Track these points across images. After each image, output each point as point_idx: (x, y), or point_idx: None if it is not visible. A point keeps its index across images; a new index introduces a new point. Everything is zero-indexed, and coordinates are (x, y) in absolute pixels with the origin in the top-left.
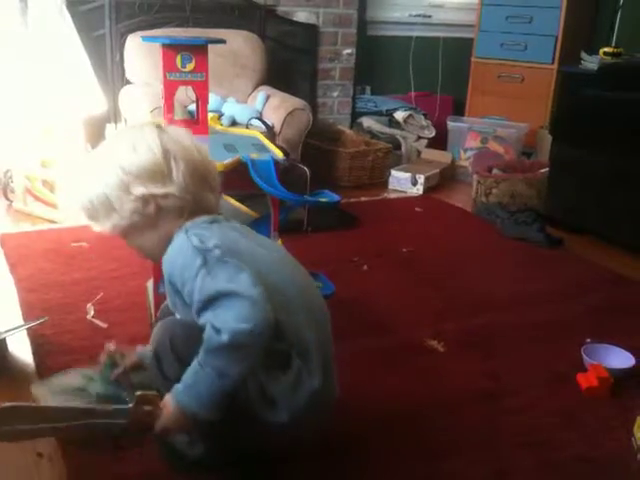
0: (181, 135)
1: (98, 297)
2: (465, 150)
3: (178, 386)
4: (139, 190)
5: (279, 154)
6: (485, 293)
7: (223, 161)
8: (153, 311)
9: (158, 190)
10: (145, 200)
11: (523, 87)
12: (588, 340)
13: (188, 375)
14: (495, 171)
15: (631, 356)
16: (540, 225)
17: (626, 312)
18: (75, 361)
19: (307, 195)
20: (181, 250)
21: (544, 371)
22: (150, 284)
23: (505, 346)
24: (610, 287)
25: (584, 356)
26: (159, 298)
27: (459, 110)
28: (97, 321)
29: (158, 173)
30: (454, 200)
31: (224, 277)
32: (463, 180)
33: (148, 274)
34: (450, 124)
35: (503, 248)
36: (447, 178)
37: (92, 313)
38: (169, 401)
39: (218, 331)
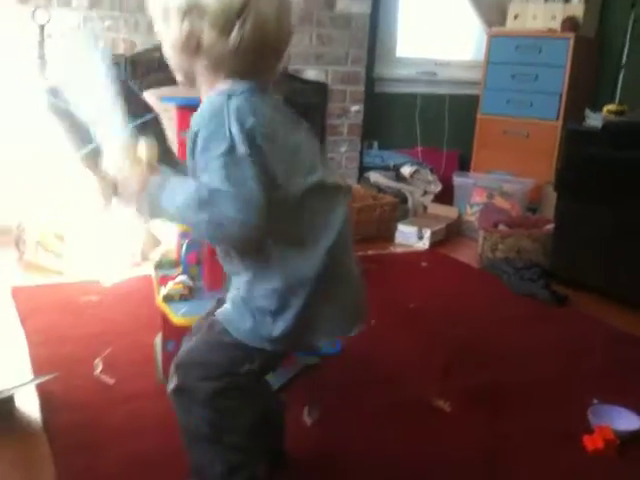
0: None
1: (106, 352)
2: (471, 205)
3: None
4: (189, 23)
5: None
6: (492, 350)
7: None
8: (161, 367)
9: (208, 33)
10: (190, 34)
11: (528, 143)
12: (595, 401)
13: (178, 182)
14: (501, 227)
15: (638, 418)
16: (545, 282)
17: (632, 372)
18: (81, 419)
19: None
20: (215, 116)
21: (550, 431)
22: (159, 340)
23: (511, 405)
24: (615, 346)
25: (590, 417)
26: (167, 354)
27: (465, 165)
28: (104, 377)
29: (221, 18)
30: (460, 255)
31: (236, 178)
32: (469, 235)
33: (157, 329)
34: (456, 179)
35: (509, 304)
36: (453, 233)
37: (100, 369)
38: (150, 180)
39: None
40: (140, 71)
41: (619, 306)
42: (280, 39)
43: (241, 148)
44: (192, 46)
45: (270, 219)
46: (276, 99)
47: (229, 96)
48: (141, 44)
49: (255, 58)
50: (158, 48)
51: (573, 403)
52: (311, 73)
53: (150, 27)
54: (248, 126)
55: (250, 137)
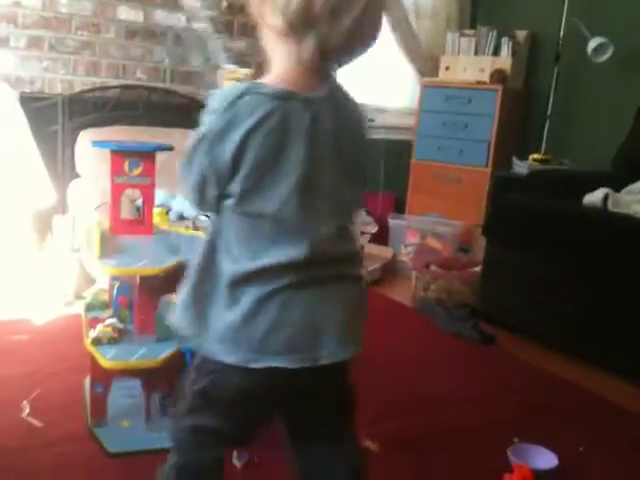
0: None
1: (35, 394)
2: (406, 246)
3: None
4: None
5: None
6: (420, 391)
7: (164, 264)
8: (90, 410)
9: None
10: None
11: (460, 188)
12: (515, 440)
13: None
14: (433, 267)
15: (555, 456)
16: (474, 322)
17: (552, 411)
18: (7, 463)
19: None
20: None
21: (473, 471)
22: (87, 382)
23: (437, 446)
24: (537, 385)
25: (510, 456)
26: (95, 397)
27: (400, 207)
28: (32, 419)
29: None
30: (395, 294)
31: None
32: (404, 274)
33: (86, 370)
34: (391, 221)
35: (439, 344)
36: (389, 272)
37: (27, 411)
38: None
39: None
40: (77, 111)
41: (542, 347)
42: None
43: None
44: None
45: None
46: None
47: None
48: (80, 84)
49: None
50: (96, 89)
51: (496, 443)
52: None
53: (89, 68)
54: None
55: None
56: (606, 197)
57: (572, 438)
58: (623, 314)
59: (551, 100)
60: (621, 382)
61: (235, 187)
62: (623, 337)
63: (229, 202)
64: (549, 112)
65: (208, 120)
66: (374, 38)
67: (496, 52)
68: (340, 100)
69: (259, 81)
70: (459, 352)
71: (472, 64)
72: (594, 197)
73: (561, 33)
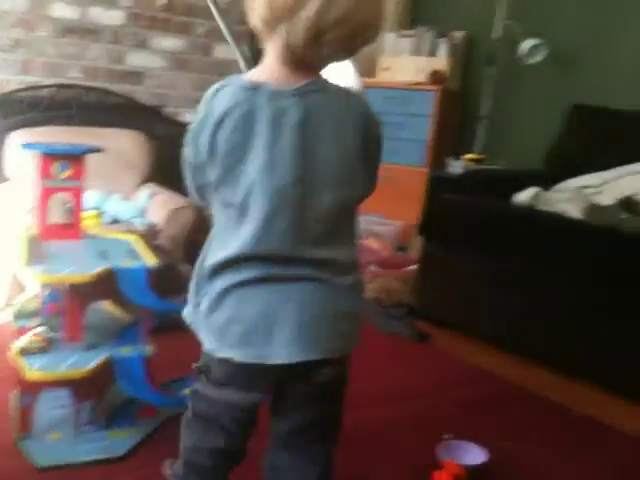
0: None
1: None
2: None
3: None
4: None
5: (153, 260)
6: (357, 390)
7: (94, 270)
8: (17, 422)
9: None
10: None
11: (399, 187)
12: (445, 436)
13: None
14: (372, 267)
15: (483, 452)
16: (410, 320)
17: (484, 407)
18: None
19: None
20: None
21: (403, 469)
22: (15, 394)
23: (369, 445)
24: (471, 382)
25: (439, 453)
26: (23, 410)
27: None
28: None
29: None
30: None
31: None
32: None
33: (14, 383)
34: None
35: (376, 344)
36: None
37: None
38: None
39: None
40: (10, 111)
41: (477, 343)
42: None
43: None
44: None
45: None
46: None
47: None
48: (15, 84)
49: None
50: (29, 88)
51: (428, 439)
52: (189, 117)
53: (23, 66)
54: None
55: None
56: (535, 196)
57: (503, 433)
58: (554, 309)
59: (486, 100)
60: (554, 376)
61: (211, 177)
62: (556, 331)
63: (214, 193)
64: (484, 112)
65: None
66: (365, 30)
67: (434, 53)
68: (327, 96)
69: (242, 75)
70: (395, 351)
71: (410, 65)
72: (523, 196)
73: (496, 34)
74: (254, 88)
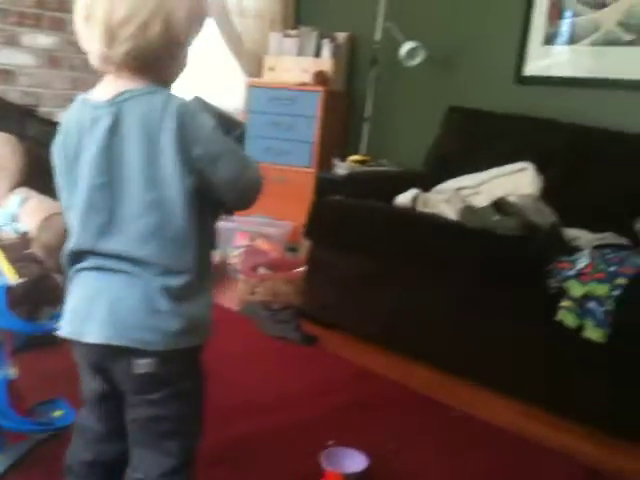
0: None
1: None
2: (235, 248)
3: None
4: None
5: (13, 277)
6: (244, 397)
7: None
8: None
9: None
10: None
11: (287, 188)
12: (330, 442)
13: None
14: (261, 269)
15: (365, 458)
16: (297, 323)
17: (370, 409)
18: None
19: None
20: None
21: (286, 478)
22: None
23: (254, 456)
24: (357, 384)
25: (322, 461)
26: None
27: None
28: None
29: None
30: (225, 298)
31: None
32: (234, 277)
33: None
34: (220, 223)
35: (264, 348)
36: (220, 276)
37: None
38: None
39: None
40: None
41: (364, 344)
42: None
43: None
44: None
45: None
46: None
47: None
48: None
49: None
50: None
51: (314, 446)
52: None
53: None
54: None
55: None
56: (415, 197)
57: (387, 435)
58: (431, 308)
59: (369, 102)
60: (434, 374)
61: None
62: (433, 330)
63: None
64: (368, 114)
65: None
66: (155, 25)
67: (318, 53)
68: (141, 102)
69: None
70: (282, 355)
71: (295, 65)
72: (404, 198)
73: (377, 36)
74: (85, 101)
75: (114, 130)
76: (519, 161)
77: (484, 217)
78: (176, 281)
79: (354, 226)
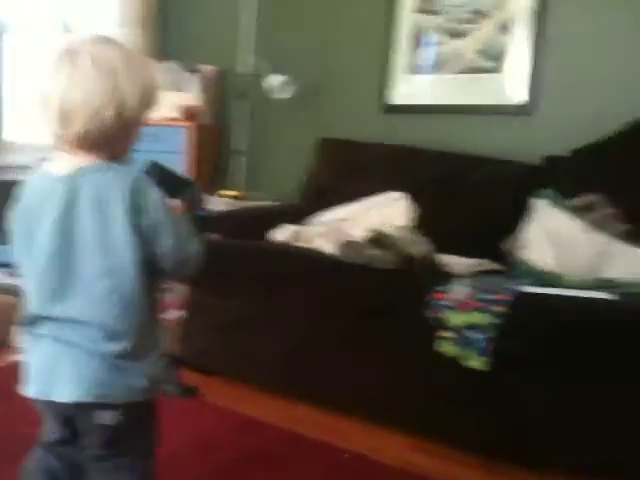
0: None
1: None
2: None
3: None
4: None
5: None
6: None
7: None
8: None
9: None
10: None
11: None
12: None
13: None
14: None
15: None
16: (175, 374)
17: (259, 462)
18: None
19: None
20: None
21: None
22: None
23: None
24: (245, 436)
25: None
26: None
27: None
28: None
29: None
30: None
31: None
32: None
33: None
34: None
35: None
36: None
37: None
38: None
39: None
40: None
41: (246, 391)
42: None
43: None
44: None
45: None
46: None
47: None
48: None
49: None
50: None
51: None
52: None
53: None
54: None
55: None
56: (292, 232)
57: None
58: (319, 346)
59: (242, 135)
60: (325, 415)
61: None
62: (324, 369)
63: None
64: (241, 147)
65: None
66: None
67: (185, 88)
68: (95, 177)
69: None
70: (160, 411)
71: (161, 100)
72: (281, 234)
73: (243, 69)
74: (44, 174)
75: (71, 202)
76: (391, 190)
77: (361, 251)
78: (126, 343)
79: (231, 266)
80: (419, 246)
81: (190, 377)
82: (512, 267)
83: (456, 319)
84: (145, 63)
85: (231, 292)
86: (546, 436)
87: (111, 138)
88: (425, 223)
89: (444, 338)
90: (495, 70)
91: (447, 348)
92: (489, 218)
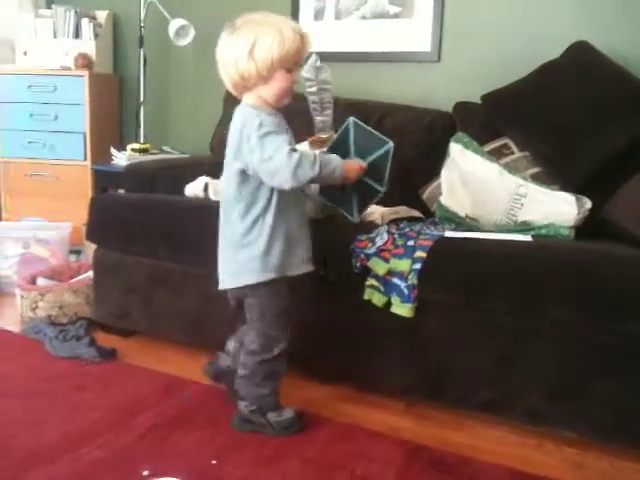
0: None
1: None
2: (6, 258)
3: None
4: None
5: None
6: (36, 437)
7: None
8: None
9: None
10: None
11: (59, 186)
12: (144, 473)
13: None
14: (40, 280)
15: None
16: (91, 337)
17: (182, 423)
18: None
19: None
20: None
21: None
22: None
23: None
24: (168, 396)
25: None
26: None
27: None
28: None
29: None
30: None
31: None
32: (11, 293)
33: None
34: None
35: (54, 374)
36: None
37: None
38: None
39: None
40: None
41: (166, 349)
42: None
43: None
44: None
45: None
46: None
47: None
48: None
49: None
50: None
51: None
52: None
53: None
54: None
55: None
56: (206, 186)
57: (208, 451)
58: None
59: (142, 86)
60: None
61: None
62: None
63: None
64: (142, 98)
65: None
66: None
67: (78, 34)
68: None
69: None
70: (78, 377)
71: (52, 48)
72: (195, 188)
73: (142, 15)
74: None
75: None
76: (303, 141)
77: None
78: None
79: (141, 223)
80: None
81: (106, 340)
82: (431, 213)
83: (380, 267)
84: None
85: (142, 249)
86: (465, 376)
87: (250, 86)
88: None
89: (370, 286)
90: (402, 15)
91: (373, 296)
92: (405, 166)
